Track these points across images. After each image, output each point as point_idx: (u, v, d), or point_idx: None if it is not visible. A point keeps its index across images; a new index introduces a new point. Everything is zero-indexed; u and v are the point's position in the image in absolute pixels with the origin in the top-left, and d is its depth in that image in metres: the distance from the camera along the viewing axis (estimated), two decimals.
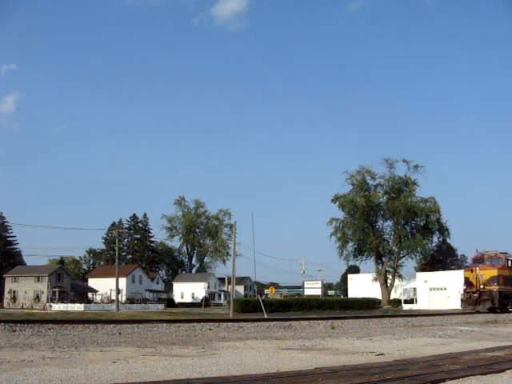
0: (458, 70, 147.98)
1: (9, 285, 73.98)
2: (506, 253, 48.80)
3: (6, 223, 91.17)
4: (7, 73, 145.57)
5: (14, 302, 71.64)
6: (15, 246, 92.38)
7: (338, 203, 70.39)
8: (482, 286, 35.96)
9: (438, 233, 71.89)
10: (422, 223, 69.61)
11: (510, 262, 38.02)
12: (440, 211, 68.88)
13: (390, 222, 72.73)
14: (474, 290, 36.39)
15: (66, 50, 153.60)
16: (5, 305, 70.92)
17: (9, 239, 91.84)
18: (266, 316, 31.96)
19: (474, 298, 36.24)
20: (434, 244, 76.25)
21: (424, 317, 27.80)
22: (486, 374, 7.00)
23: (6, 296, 73.25)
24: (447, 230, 70.80)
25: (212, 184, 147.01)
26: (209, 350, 9.86)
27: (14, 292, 73.26)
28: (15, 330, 14.23)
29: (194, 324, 18.40)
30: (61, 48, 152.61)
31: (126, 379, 6.30)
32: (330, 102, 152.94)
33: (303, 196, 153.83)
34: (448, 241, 77.07)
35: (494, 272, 36.32)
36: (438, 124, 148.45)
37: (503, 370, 7.28)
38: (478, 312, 34.29)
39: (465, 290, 38.01)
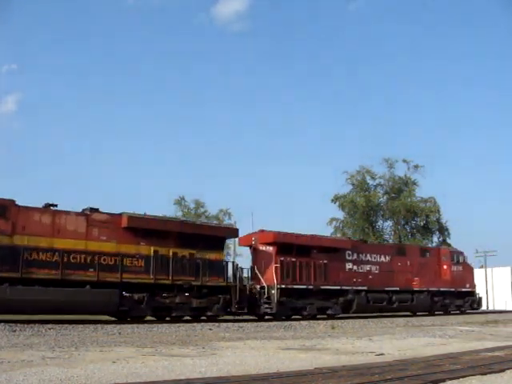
0: (459, 69, 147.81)
1: None
2: None
3: None
4: (8, 72, 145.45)
5: None
6: None
7: (338, 203, 70.22)
8: None
9: (438, 233, 71.77)
10: (422, 223, 69.48)
11: None
12: (440, 211, 68.78)
13: (389, 222, 72.57)
14: None
15: (66, 49, 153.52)
16: None
17: None
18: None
19: None
20: (434, 244, 76.24)
21: (424, 317, 27.81)
22: (486, 373, 7.00)
23: None
24: (447, 230, 70.65)
25: (212, 184, 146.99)
26: (209, 350, 9.87)
27: None
28: (15, 330, 14.23)
29: (194, 324, 18.40)
30: (62, 48, 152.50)
31: (126, 379, 6.30)
32: (331, 102, 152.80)
33: (303, 196, 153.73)
34: (448, 241, 76.98)
35: None
36: (438, 124, 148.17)
37: (503, 370, 7.28)
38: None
39: None
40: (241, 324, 19.13)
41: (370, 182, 72.21)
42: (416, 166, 70.43)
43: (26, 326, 15.45)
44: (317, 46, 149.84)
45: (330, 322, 21.59)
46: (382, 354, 9.37)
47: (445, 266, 30.73)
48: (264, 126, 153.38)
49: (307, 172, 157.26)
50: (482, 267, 66.43)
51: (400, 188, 70.64)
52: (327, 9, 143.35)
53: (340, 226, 71.54)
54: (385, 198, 71.93)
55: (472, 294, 32.59)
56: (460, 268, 31.43)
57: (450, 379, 6.50)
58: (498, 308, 57.10)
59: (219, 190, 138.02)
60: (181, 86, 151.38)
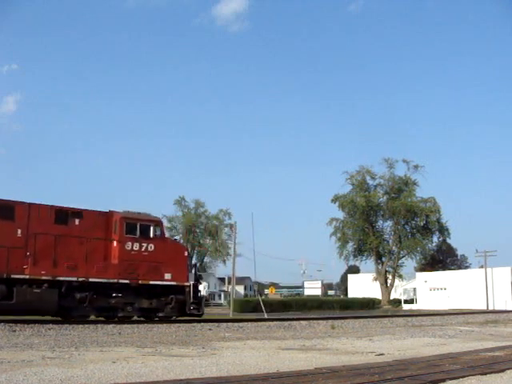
0: (459, 69, 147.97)
1: None
2: None
3: None
4: (8, 73, 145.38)
5: None
6: None
7: (337, 203, 70.54)
8: None
9: (437, 233, 72.01)
10: (422, 223, 69.71)
11: None
12: (440, 211, 69.03)
13: (390, 222, 72.86)
14: None
15: (67, 50, 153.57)
16: None
17: None
18: (266, 316, 31.97)
19: None
20: (434, 244, 76.41)
21: (424, 317, 27.82)
22: (485, 374, 7.00)
23: None
24: (447, 230, 70.94)
25: (212, 184, 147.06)
26: (209, 350, 9.87)
27: None
28: (15, 330, 14.24)
29: (194, 324, 18.41)
30: (62, 48, 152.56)
31: (126, 379, 6.30)
32: (331, 103, 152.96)
33: (303, 196, 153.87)
34: (448, 241, 77.24)
35: None
36: (438, 124, 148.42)
37: (503, 370, 7.28)
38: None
39: None
40: (241, 324, 19.18)
41: (370, 182, 72.45)
42: (416, 166, 70.63)
43: (26, 326, 15.47)
44: (317, 47, 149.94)
45: (330, 322, 21.62)
46: (381, 354, 9.37)
47: (115, 243, 19.08)
48: (264, 126, 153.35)
49: (307, 172, 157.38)
50: (481, 267, 66.50)
51: (400, 188, 70.77)
52: (327, 9, 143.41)
53: (340, 226, 71.73)
54: (385, 198, 72.06)
55: (181, 290, 20.13)
56: (151, 246, 19.55)
57: (450, 379, 6.50)
58: (497, 308, 57.13)
59: (219, 190, 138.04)
60: (181, 85, 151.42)
